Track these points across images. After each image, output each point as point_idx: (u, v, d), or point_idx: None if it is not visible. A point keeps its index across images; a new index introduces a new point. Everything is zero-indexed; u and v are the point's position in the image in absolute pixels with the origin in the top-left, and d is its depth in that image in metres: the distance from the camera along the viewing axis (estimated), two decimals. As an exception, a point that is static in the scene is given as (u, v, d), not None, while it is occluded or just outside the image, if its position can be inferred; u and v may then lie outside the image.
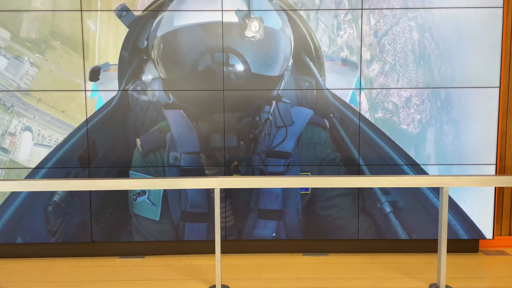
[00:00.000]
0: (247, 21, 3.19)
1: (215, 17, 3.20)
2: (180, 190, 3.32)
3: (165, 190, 3.33)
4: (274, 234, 3.38)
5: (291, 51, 3.24)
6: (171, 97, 3.25)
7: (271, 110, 3.27)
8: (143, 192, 3.34)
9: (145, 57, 3.24)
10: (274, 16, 3.21)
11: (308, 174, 3.33)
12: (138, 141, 3.29)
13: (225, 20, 3.20)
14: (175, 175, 3.30)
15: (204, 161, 3.29)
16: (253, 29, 3.18)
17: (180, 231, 3.37)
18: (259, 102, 3.26)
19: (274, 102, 3.26)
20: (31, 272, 3.19)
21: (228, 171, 3.31)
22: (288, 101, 3.27)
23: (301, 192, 3.35)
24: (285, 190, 3.35)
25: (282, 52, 3.23)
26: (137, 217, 3.37)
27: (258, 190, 3.35)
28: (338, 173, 3.33)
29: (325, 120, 3.29)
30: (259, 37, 3.19)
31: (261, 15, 3.19)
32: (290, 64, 3.24)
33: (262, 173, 3.32)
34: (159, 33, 3.20)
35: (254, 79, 3.22)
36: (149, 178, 3.23)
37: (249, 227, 3.38)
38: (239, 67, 3.22)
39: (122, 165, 3.30)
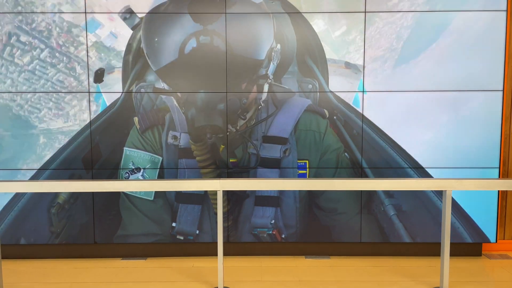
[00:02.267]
0: None
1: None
2: (177, 170, 3.32)
3: (161, 169, 3.32)
4: (272, 221, 3.38)
5: (273, 32, 3.23)
6: (162, 85, 3.26)
7: (263, 98, 3.27)
8: (137, 169, 3.33)
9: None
10: None
11: (305, 162, 3.32)
12: (136, 118, 3.30)
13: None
14: (172, 153, 3.30)
15: (193, 145, 3.29)
16: None
17: (173, 212, 3.36)
18: (245, 83, 3.25)
19: (266, 94, 3.25)
20: (34, 273, 3.20)
21: (224, 167, 3.32)
22: (286, 86, 3.27)
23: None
24: (282, 175, 3.34)
25: (261, 29, 3.22)
26: (128, 197, 3.36)
27: (254, 176, 3.34)
28: (338, 163, 3.32)
29: (325, 110, 3.29)
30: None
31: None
32: (277, 46, 3.23)
33: (257, 158, 3.31)
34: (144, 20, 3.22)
35: (236, 59, 3.22)
36: (152, 180, 3.23)
37: (247, 215, 3.38)
38: (223, 47, 3.22)
39: (129, 152, 3.31)
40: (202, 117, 3.27)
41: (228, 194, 3.37)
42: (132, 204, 3.36)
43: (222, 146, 3.30)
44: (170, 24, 3.19)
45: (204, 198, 3.36)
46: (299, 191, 3.36)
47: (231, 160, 3.32)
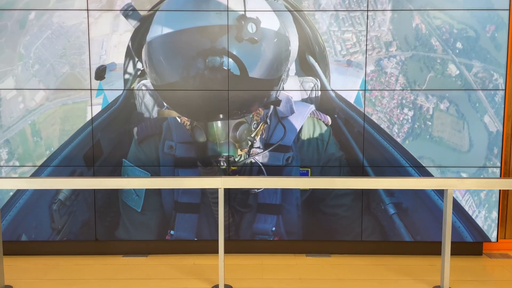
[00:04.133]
0: (242, 22, 3.15)
1: (208, 21, 3.16)
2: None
3: None
4: (273, 228, 3.38)
5: (290, 52, 3.22)
6: (165, 105, 3.25)
7: (269, 113, 3.26)
8: None
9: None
10: (271, 17, 3.19)
11: (308, 170, 3.32)
12: (135, 129, 3.29)
13: (218, 23, 3.17)
14: (169, 163, 3.29)
15: (201, 169, 3.29)
16: (250, 31, 3.14)
17: (172, 222, 3.36)
18: (257, 108, 3.25)
19: (272, 107, 3.25)
20: (35, 270, 3.21)
21: (224, 168, 3.32)
22: (287, 86, 3.25)
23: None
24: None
25: (279, 54, 3.21)
26: (123, 205, 3.36)
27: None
28: (340, 171, 3.32)
29: (328, 117, 3.28)
30: (256, 39, 3.15)
31: (258, 16, 3.16)
32: (289, 65, 3.22)
33: (261, 167, 3.31)
34: (148, 38, 3.19)
35: (251, 83, 3.21)
36: (152, 177, 3.23)
37: (248, 222, 3.37)
38: (236, 71, 3.19)
39: (126, 165, 3.31)
40: (217, 147, 3.26)
41: (230, 208, 3.36)
42: (123, 210, 3.36)
43: (232, 168, 3.29)
44: (174, 45, 3.15)
45: (201, 207, 3.35)
46: (301, 198, 3.35)
47: (232, 168, 3.31)
